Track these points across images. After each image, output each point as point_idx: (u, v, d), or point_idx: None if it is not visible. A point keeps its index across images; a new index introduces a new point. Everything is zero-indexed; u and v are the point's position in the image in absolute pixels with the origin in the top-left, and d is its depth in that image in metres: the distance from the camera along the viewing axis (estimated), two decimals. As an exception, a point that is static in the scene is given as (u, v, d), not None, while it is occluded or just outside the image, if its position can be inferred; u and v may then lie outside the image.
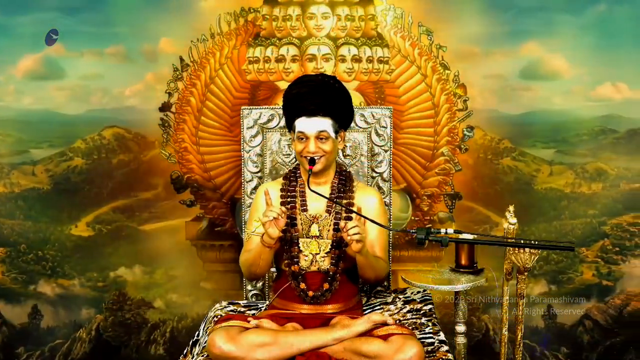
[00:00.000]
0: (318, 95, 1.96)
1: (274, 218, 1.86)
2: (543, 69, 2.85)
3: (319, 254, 1.99)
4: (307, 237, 2.00)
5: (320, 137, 1.96)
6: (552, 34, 2.81)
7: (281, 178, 2.13)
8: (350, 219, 2.00)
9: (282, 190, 2.07)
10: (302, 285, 1.99)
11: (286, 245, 2.00)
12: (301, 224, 2.02)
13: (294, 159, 2.37)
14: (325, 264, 2.00)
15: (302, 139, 1.98)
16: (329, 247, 1.99)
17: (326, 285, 1.99)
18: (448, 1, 2.83)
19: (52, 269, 2.96)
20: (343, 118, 2.04)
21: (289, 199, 2.05)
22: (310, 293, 1.98)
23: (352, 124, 2.35)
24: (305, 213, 2.03)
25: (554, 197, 2.90)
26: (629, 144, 2.88)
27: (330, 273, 1.99)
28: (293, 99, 1.99)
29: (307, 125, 1.96)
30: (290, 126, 2.04)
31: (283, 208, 1.92)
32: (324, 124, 1.97)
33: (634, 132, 2.88)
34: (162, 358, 2.97)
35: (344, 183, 2.06)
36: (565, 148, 2.91)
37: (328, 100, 1.97)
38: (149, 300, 2.96)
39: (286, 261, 2.01)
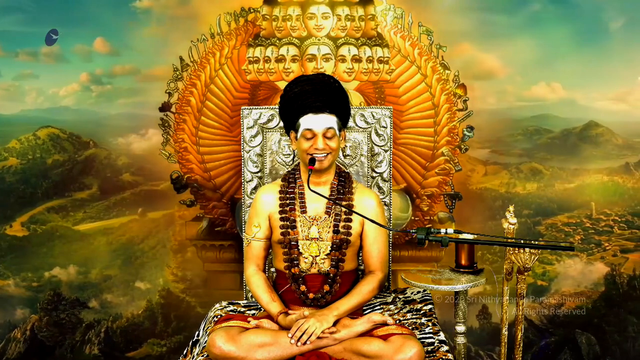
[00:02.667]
0: (322, 93, 1.95)
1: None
2: (477, 69, 2.84)
3: (318, 256, 1.99)
4: (306, 240, 2.00)
5: (327, 134, 1.96)
6: (485, 34, 2.81)
7: (279, 180, 2.12)
8: (350, 220, 2.00)
9: (280, 192, 2.06)
10: (303, 288, 1.98)
11: (286, 247, 2.00)
12: (300, 226, 2.01)
13: (294, 159, 2.36)
14: (325, 266, 1.99)
15: (308, 137, 1.96)
16: (329, 249, 1.99)
17: (326, 287, 1.98)
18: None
19: (-14, 269, 2.97)
20: (344, 116, 2.04)
21: (287, 202, 2.04)
22: (311, 295, 1.98)
23: (352, 124, 2.36)
24: (304, 215, 2.02)
25: (488, 197, 2.91)
26: (563, 144, 2.89)
27: (331, 275, 1.99)
28: (296, 98, 1.97)
29: (315, 122, 1.95)
30: (291, 126, 2.01)
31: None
32: (330, 120, 1.96)
33: (569, 132, 2.89)
34: (97, 358, 2.99)
35: (344, 184, 2.05)
36: (500, 148, 2.91)
37: (331, 98, 1.97)
38: (84, 300, 2.98)
39: (286, 264, 2.00)
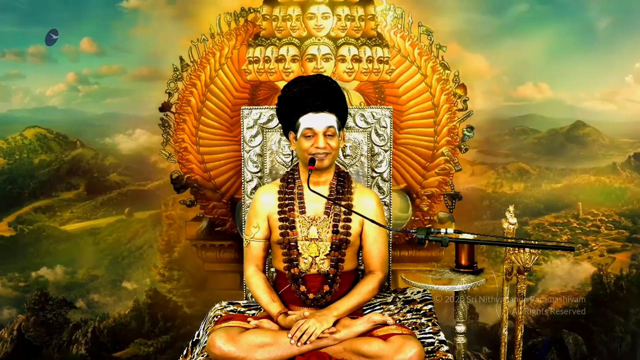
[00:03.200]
0: (321, 93, 1.95)
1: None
2: (464, 69, 2.83)
3: (318, 256, 1.99)
4: (306, 240, 1.99)
5: (327, 133, 1.95)
6: (472, 35, 2.82)
7: (278, 180, 2.11)
8: (349, 220, 2.00)
9: (279, 192, 2.05)
10: (302, 288, 1.98)
11: (285, 248, 2.00)
12: (300, 226, 2.00)
13: (294, 160, 2.36)
14: (325, 266, 1.99)
15: (309, 136, 1.96)
16: (328, 249, 1.99)
17: (326, 288, 1.98)
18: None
19: (-26, 269, 2.96)
20: (342, 116, 2.04)
21: (286, 202, 2.03)
22: (311, 295, 1.98)
23: (352, 124, 2.36)
24: (303, 215, 2.01)
25: (475, 197, 2.90)
26: (550, 144, 2.89)
27: (330, 275, 1.99)
28: (295, 98, 1.97)
29: (315, 120, 1.95)
30: (290, 126, 2.01)
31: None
32: (330, 119, 1.96)
33: (556, 132, 2.89)
34: (84, 358, 2.98)
35: (343, 184, 2.05)
36: (487, 148, 2.91)
37: (330, 97, 1.97)
38: (71, 300, 2.98)
39: (285, 264, 2.00)
